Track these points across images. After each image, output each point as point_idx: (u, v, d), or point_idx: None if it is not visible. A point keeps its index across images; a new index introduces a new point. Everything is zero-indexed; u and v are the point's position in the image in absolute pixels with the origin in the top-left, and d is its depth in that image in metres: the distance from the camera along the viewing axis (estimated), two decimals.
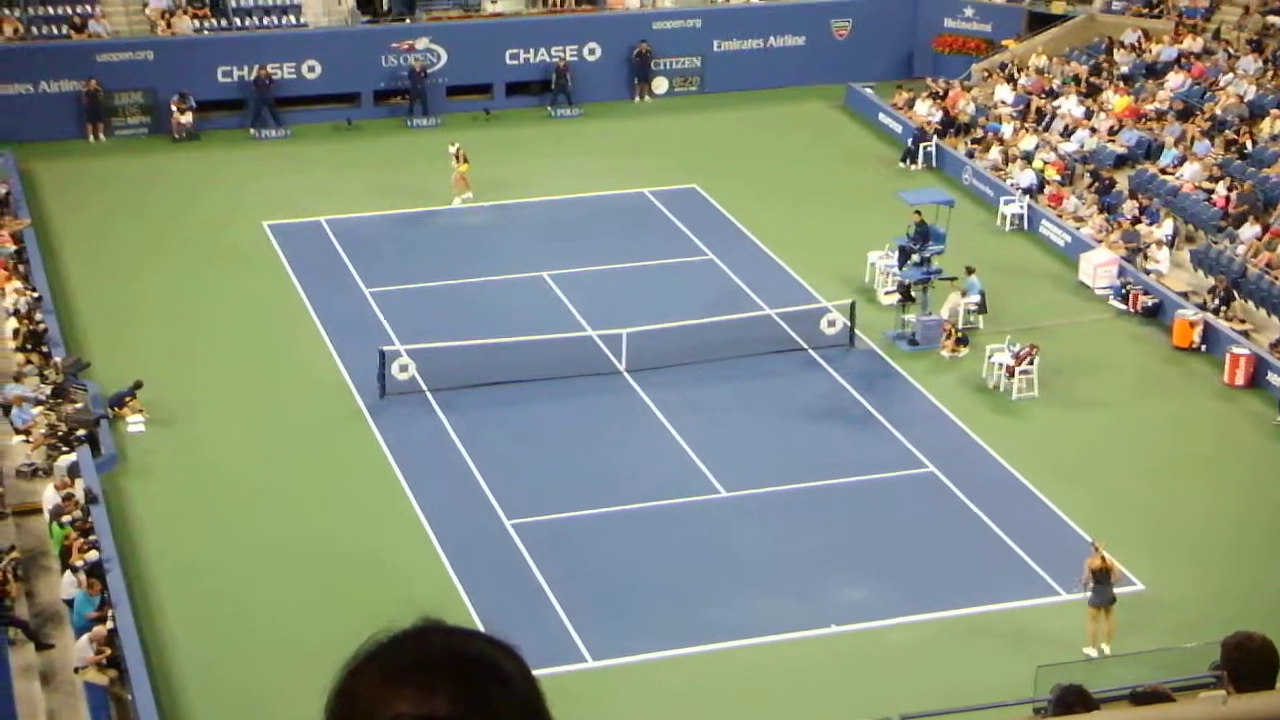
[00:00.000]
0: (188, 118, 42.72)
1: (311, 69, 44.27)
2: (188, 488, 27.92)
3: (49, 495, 26.02)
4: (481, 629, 2.76)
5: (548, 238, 37.48)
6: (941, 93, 44.47)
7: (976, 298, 33.57)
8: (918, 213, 33.25)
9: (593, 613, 24.58)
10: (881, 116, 44.29)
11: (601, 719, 22.03)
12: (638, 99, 46.38)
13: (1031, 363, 31.04)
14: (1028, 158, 40.37)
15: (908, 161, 41.87)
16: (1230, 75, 41.32)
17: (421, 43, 44.84)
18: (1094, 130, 40.94)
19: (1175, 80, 41.97)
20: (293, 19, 44.93)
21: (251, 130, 43.48)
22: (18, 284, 33.37)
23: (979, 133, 42.54)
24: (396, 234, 37.87)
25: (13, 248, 35.12)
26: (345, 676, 2.66)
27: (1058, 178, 39.62)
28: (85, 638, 22.43)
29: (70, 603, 23.71)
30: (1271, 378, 30.93)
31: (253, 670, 23.30)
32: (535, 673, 2.73)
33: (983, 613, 24.84)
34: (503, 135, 43.56)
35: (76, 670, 22.42)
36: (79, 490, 25.88)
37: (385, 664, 2.64)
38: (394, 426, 29.63)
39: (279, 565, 25.75)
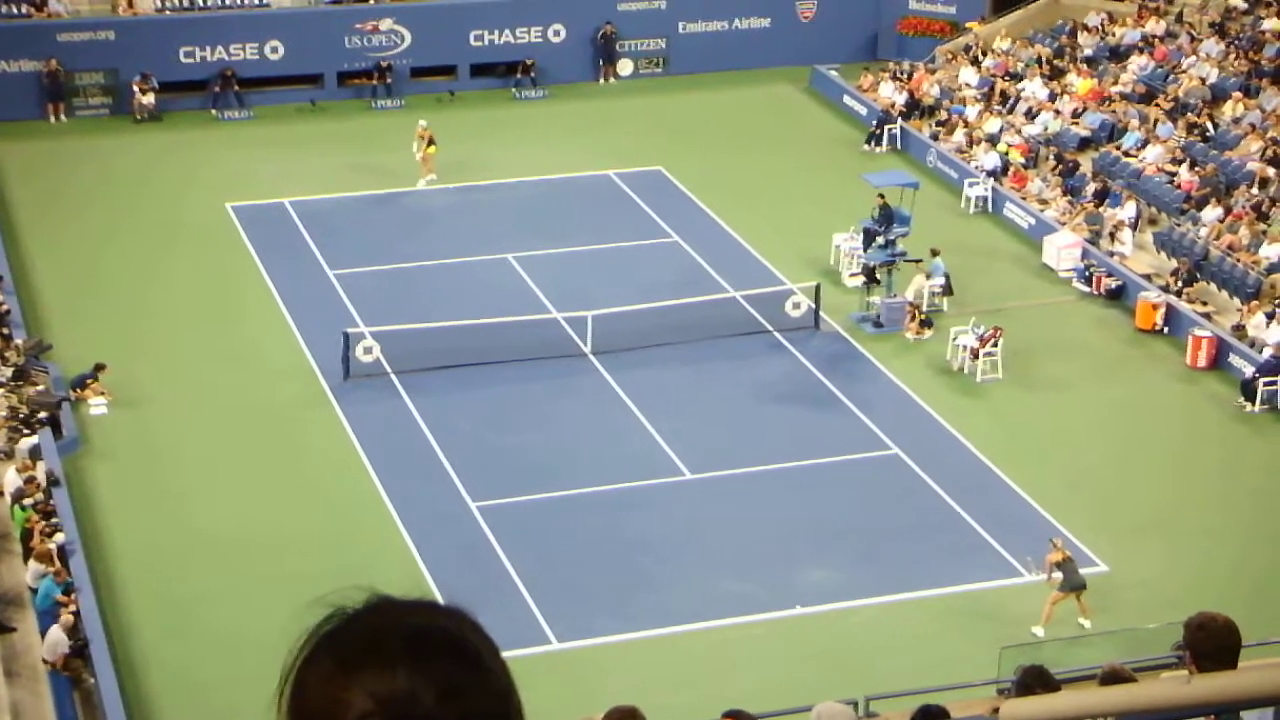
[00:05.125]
0: (150, 98, 42.44)
1: (274, 50, 44.01)
2: (150, 470, 27.80)
3: (10, 478, 25.83)
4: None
5: (512, 220, 37.37)
6: (906, 75, 44.50)
7: (941, 280, 33.64)
8: (882, 195, 33.30)
9: (557, 595, 24.59)
10: (846, 99, 44.30)
11: (565, 702, 22.01)
12: (602, 81, 46.27)
13: (995, 345, 31.14)
14: (992, 140, 40.45)
15: (872, 144, 41.88)
16: (1193, 58, 41.45)
17: (385, 24, 44.64)
18: (1058, 113, 41.04)
19: (1138, 63, 42.09)
20: None
21: (214, 111, 43.24)
22: None
23: (943, 115, 42.58)
24: (360, 215, 37.71)
25: None
26: (300, 666, 2.46)
27: (1021, 160, 39.70)
28: (57, 627, 22.20)
29: (35, 590, 23.52)
30: (1233, 360, 31.12)
31: (216, 654, 23.21)
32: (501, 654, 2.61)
33: (946, 594, 24.94)
34: (467, 117, 43.39)
35: (45, 661, 22.23)
36: (41, 473, 25.74)
37: (339, 650, 2.44)
38: (358, 409, 29.55)
39: (242, 548, 25.66)
